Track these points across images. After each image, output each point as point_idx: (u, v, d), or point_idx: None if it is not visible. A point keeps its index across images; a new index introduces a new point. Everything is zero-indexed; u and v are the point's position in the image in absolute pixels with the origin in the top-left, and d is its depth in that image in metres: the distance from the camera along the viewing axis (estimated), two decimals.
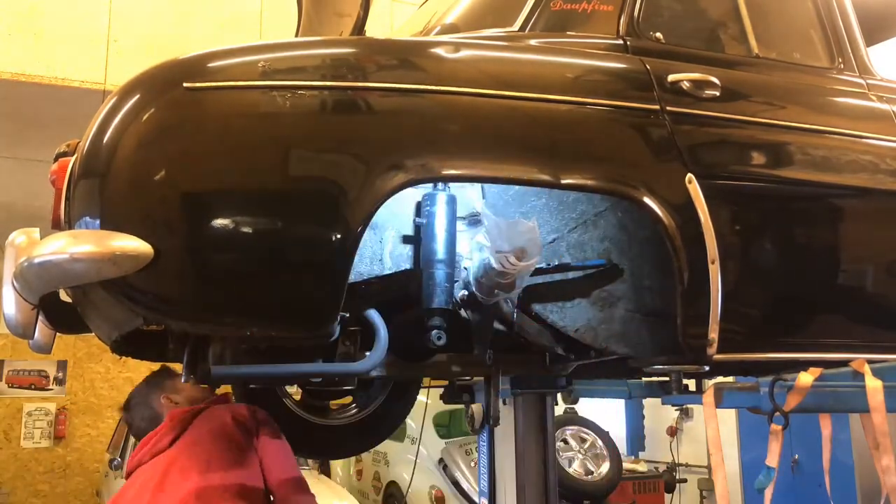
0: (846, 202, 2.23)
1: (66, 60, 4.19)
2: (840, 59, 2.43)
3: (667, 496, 6.61)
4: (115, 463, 6.41)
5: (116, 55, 4.27)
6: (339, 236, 1.52)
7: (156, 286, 1.47)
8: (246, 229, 1.51)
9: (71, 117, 4.69)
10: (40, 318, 1.85)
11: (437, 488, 6.67)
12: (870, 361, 1.94)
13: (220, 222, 1.50)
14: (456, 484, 6.50)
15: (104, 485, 7.07)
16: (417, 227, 1.94)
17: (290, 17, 2.59)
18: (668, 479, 6.64)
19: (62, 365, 9.62)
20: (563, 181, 1.78)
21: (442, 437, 6.96)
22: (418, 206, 1.94)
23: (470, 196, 2.14)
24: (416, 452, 6.81)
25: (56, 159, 1.95)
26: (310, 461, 7.10)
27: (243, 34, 4.55)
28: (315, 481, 6.12)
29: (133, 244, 1.43)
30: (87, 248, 1.43)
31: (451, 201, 1.93)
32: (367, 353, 1.87)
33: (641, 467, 6.79)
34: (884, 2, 2.72)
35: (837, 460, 5.10)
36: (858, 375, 1.85)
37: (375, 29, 1.96)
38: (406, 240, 1.91)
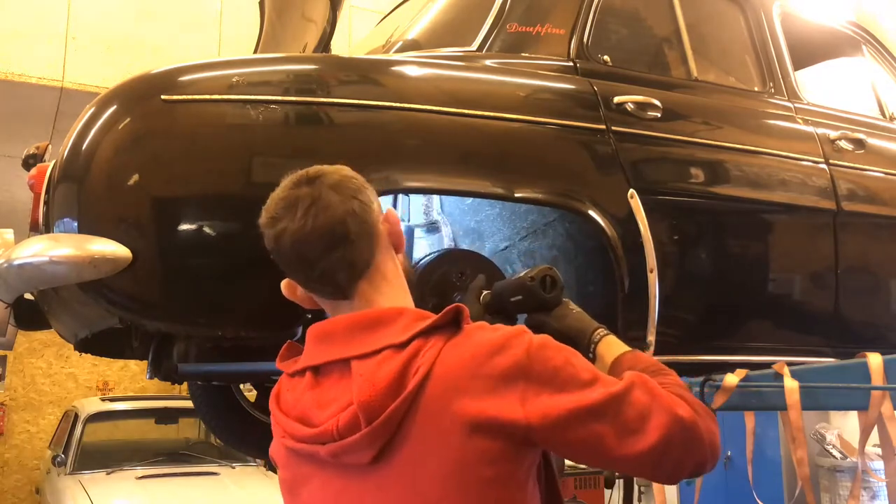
0: (773, 217, 2.41)
1: (24, 56, 4.15)
2: (771, 84, 2.62)
3: (606, 492, 6.81)
4: (59, 460, 6.32)
5: (75, 52, 4.25)
6: None
7: (134, 289, 1.54)
8: (220, 236, 1.60)
9: (27, 113, 4.67)
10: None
11: None
12: (790, 364, 2.12)
13: (195, 228, 1.59)
14: None
15: (46, 482, 6.95)
16: None
17: (250, 20, 2.65)
18: (608, 476, 6.83)
19: (1, 360, 9.39)
20: (515, 194, 1.91)
21: None
22: None
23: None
24: None
25: (25, 161, 2.01)
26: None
27: (203, 35, 4.57)
28: (262, 477, 6.15)
29: (111, 248, 1.51)
30: (67, 252, 1.49)
31: (408, 232, 2.03)
32: None
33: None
34: (810, 30, 2.93)
35: (765, 456, 5.38)
36: (779, 376, 2.03)
37: (334, 34, 2.05)
38: None
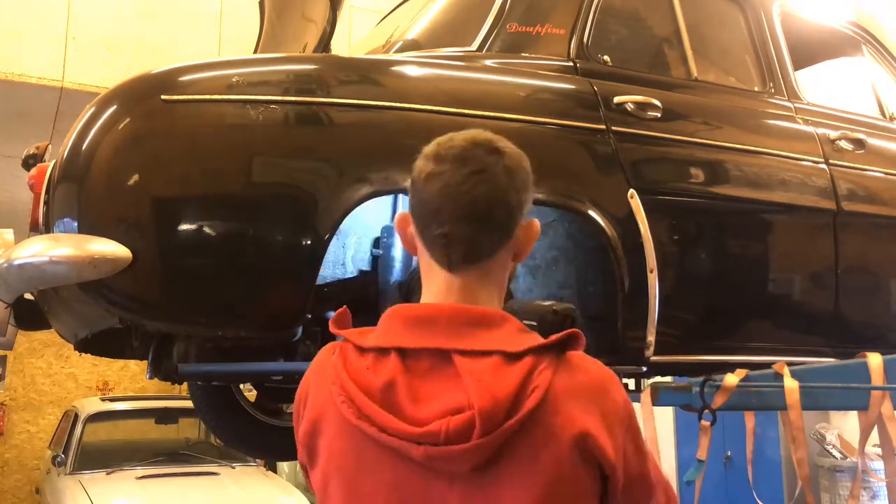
0: (773, 217, 2.41)
1: (24, 56, 4.15)
2: (771, 84, 2.62)
3: None
4: (59, 460, 6.32)
5: (75, 52, 4.25)
6: (308, 244, 1.63)
7: (134, 289, 1.54)
8: (220, 236, 1.60)
9: (27, 113, 4.67)
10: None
11: None
12: (790, 364, 2.12)
13: (194, 228, 1.59)
14: None
15: (46, 482, 6.95)
16: (375, 258, 2.01)
17: (249, 19, 2.65)
18: None
19: (2, 360, 9.39)
20: None
21: None
22: (377, 240, 2.01)
23: None
24: None
25: (25, 161, 2.01)
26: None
27: (202, 34, 4.57)
28: (262, 477, 6.16)
29: (112, 248, 1.51)
30: (67, 252, 1.50)
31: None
32: None
33: None
34: (810, 30, 2.93)
35: (765, 455, 5.38)
36: (779, 376, 2.02)
37: (334, 34, 2.05)
38: (362, 274, 1.97)
